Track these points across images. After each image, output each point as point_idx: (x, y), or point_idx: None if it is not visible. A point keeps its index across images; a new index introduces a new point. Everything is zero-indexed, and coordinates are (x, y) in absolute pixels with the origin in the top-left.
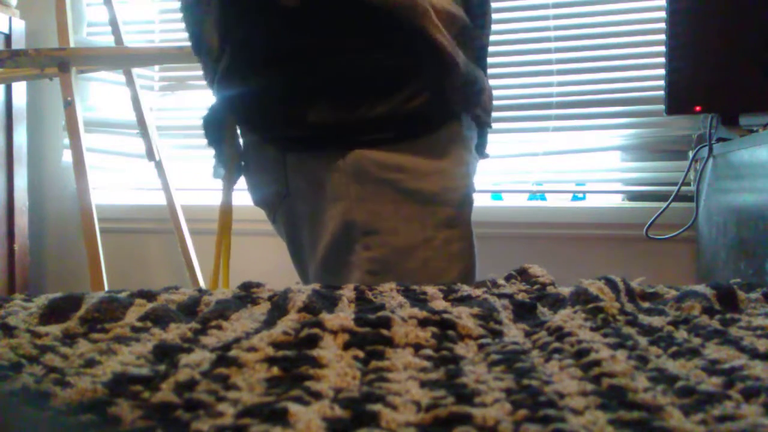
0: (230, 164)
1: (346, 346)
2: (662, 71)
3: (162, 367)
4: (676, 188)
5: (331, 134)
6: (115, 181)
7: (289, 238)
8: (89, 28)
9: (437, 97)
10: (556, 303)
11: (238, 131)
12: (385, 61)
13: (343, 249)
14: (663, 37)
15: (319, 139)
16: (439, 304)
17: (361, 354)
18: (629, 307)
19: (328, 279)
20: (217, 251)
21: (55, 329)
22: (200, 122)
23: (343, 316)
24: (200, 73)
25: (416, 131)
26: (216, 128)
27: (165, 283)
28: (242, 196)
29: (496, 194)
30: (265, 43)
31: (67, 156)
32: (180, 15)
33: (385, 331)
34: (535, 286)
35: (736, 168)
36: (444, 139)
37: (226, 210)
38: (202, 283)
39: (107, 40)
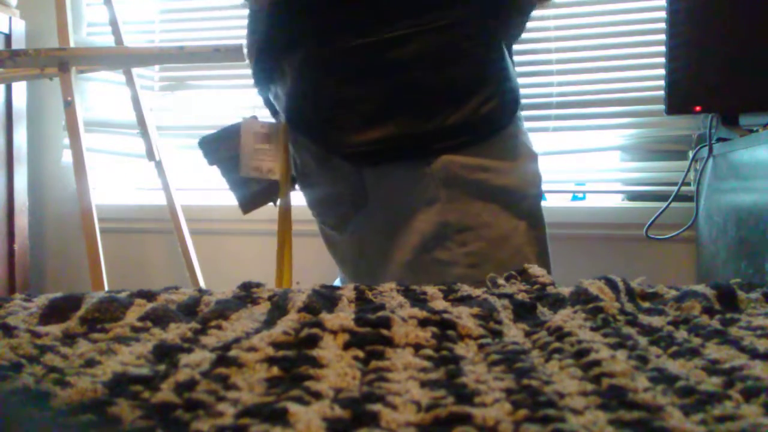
0: (287, 178)
1: (346, 346)
2: (662, 71)
3: (162, 367)
4: (676, 188)
5: (410, 145)
6: (115, 181)
7: (359, 247)
8: (89, 28)
9: (504, 99)
10: (556, 303)
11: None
12: (458, 71)
13: (433, 249)
14: (663, 37)
15: (400, 150)
16: (439, 304)
17: (361, 354)
18: (629, 307)
19: (415, 276)
20: (279, 253)
21: (55, 329)
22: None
23: (343, 316)
24: (200, 73)
25: (487, 133)
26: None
27: (165, 283)
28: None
29: None
30: (341, 63)
31: (67, 156)
32: (183, 15)
33: (385, 331)
34: (535, 286)
35: (736, 168)
36: (512, 138)
37: (287, 211)
38: (202, 283)
39: (107, 40)
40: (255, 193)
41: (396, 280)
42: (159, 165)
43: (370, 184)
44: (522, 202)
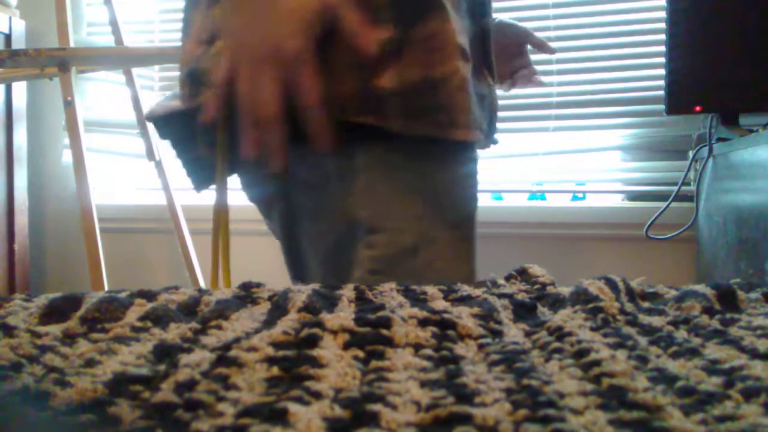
0: (222, 162)
1: (346, 346)
2: (662, 71)
3: (162, 367)
4: (676, 188)
5: (338, 128)
6: (115, 181)
7: (285, 234)
8: (89, 28)
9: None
10: (556, 303)
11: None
12: None
13: (346, 246)
14: (663, 37)
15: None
16: (439, 304)
17: (361, 354)
18: (629, 307)
19: (329, 276)
20: (214, 252)
21: (55, 329)
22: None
23: (343, 316)
24: None
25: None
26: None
27: (165, 283)
28: (239, 195)
29: (497, 194)
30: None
31: (67, 156)
32: (180, 15)
33: (385, 331)
34: (535, 286)
35: (736, 168)
36: None
37: (222, 209)
38: (202, 283)
39: (107, 40)
40: (209, 172)
41: (317, 277)
42: (159, 165)
43: (292, 167)
44: (448, 210)
